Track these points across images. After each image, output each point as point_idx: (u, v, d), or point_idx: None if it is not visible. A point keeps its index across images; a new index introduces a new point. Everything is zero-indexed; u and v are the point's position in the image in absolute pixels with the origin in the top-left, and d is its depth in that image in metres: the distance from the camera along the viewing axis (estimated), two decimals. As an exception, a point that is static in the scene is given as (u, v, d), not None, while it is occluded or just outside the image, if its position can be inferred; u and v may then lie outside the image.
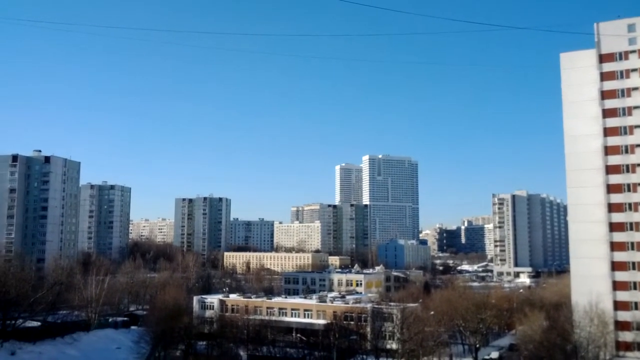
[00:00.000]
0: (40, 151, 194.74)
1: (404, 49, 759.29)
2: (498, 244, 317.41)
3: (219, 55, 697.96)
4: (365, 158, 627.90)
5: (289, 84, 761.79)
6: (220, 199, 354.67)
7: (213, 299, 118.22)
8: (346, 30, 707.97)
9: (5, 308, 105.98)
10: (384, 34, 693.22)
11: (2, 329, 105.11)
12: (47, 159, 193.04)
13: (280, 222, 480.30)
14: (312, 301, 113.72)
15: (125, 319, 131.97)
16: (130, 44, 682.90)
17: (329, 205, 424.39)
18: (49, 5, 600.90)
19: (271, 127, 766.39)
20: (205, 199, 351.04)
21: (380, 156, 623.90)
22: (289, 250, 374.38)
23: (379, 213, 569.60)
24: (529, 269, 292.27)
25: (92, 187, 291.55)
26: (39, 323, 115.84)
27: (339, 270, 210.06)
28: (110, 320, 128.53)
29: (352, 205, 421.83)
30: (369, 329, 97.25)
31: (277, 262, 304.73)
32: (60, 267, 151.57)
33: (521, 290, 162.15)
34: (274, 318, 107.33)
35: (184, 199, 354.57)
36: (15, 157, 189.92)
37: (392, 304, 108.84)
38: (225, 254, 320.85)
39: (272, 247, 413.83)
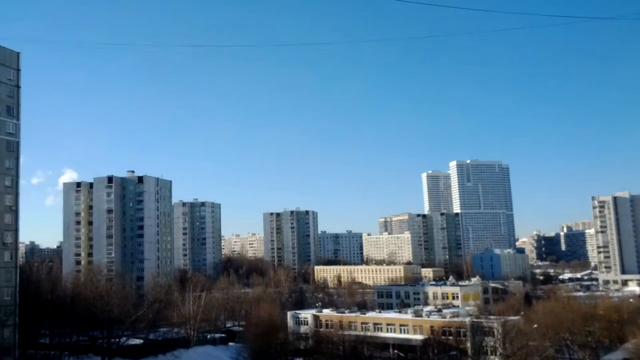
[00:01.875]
0: (133, 172, 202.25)
1: (487, 46, 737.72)
2: (601, 250, 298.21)
3: (295, 66, 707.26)
4: (453, 164, 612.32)
5: (368, 93, 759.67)
6: (307, 212, 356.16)
7: (307, 314, 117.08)
8: (417, 31, 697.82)
9: (109, 326, 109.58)
10: (465, 33, 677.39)
11: (107, 347, 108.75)
12: (141, 179, 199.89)
13: (369, 234, 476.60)
14: (407, 316, 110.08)
15: (223, 335, 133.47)
16: (202, 63, 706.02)
17: (418, 215, 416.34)
18: (136, 28, 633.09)
19: (353, 138, 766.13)
20: (292, 212, 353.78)
21: (468, 161, 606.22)
22: (379, 262, 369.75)
23: (471, 221, 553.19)
24: (638, 276, 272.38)
25: (184, 204, 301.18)
26: (141, 340, 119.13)
27: (433, 282, 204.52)
28: (208, 336, 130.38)
29: (442, 214, 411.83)
30: (469, 344, 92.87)
31: (368, 275, 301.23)
32: (159, 284, 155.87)
33: (631, 300, 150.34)
34: (369, 333, 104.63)
35: (271, 213, 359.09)
36: (110, 179, 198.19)
37: (491, 317, 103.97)
38: (316, 267, 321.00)
39: (361, 260, 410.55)
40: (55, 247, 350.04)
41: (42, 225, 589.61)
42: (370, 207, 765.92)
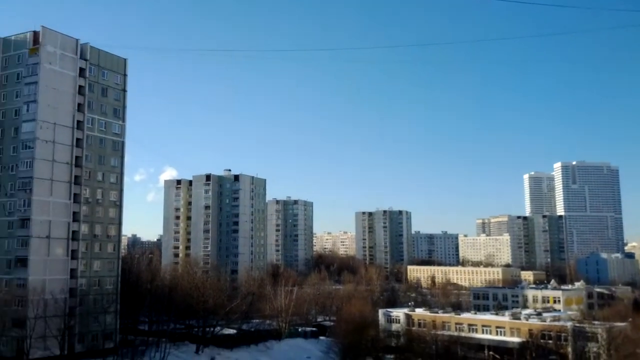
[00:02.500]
0: (230, 170, 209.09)
1: (600, 46, 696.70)
2: None
3: (389, 65, 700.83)
4: (557, 165, 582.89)
5: (470, 90, 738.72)
6: (400, 212, 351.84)
7: (399, 313, 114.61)
8: (519, 31, 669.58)
9: (204, 316, 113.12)
10: (573, 32, 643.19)
11: (202, 335, 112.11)
12: (237, 177, 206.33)
13: (465, 235, 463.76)
14: (504, 318, 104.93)
15: (314, 329, 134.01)
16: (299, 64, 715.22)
17: (519, 217, 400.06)
18: (229, 35, 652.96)
19: (451, 136, 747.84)
20: (385, 212, 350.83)
21: (574, 163, 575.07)
22: (476, 264, 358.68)
23: (575, 224, 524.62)
24: None
25: (277, 202, 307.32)
26: (234, 331, 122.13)
27: (533, 286, 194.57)
28: (299, 330, 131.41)
29: (544, 216, 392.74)
30: (570, 350, 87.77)
31: (463, 277, 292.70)
32: (252, 278, 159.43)
33: None
34: (463, 334, 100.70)
35: (363, 213, 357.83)
36: (208, 177, 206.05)
37: (596, 322, 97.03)
38: (409, 267, 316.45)
39: (457, 261, 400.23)
40: (155, 239, 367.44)
41: (143, 219, 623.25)
42: (467, 208, 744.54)
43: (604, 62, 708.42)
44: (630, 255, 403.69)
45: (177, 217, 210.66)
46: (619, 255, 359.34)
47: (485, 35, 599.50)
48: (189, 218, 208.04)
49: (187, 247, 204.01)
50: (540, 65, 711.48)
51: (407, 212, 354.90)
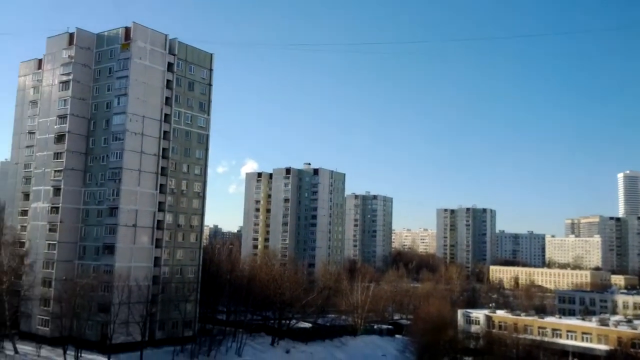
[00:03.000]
0: (309, 164, 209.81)
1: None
2: None
3: (489, 57, 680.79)
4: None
5: (559, 87, 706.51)
6: (484, 210, 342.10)
7: (479, 314, 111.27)
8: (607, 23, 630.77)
9: (281, 308, 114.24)
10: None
11: (278, 327, 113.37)
12: (316, 171, 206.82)
13: (553, 236, 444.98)
14: (591, 324, 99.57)
15: (390, 327, 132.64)
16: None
17: (611, 218, 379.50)
18: (313, 31, 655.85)
19: (538, 133, 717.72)
20: (468, 209, 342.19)
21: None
22: (563, 266, 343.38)
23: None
24: None
25: (356, 197, 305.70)
26: (309, 325, 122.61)
27: (624, 291, 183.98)
28: (375, 327, 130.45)
29: (639, 217, 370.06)
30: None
31: (549, 279, 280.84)
32: (329, 272, 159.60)
33: None
34: (546, 339, 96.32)
35: (445, 210, 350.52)
36: (288, 170, 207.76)
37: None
38: (491, 267, 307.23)
39: (543, 263, 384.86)
40: (235, 231, 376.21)
41: (225, 210, 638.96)
42: (555, 208, 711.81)
43: None
44: None
45: (257, 210, 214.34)
46: None
47: (570, 27, 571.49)
48: (268, 210, 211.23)
49: (266, 239, 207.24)
50: (635, 59, 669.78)
51: (491, 210, 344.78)
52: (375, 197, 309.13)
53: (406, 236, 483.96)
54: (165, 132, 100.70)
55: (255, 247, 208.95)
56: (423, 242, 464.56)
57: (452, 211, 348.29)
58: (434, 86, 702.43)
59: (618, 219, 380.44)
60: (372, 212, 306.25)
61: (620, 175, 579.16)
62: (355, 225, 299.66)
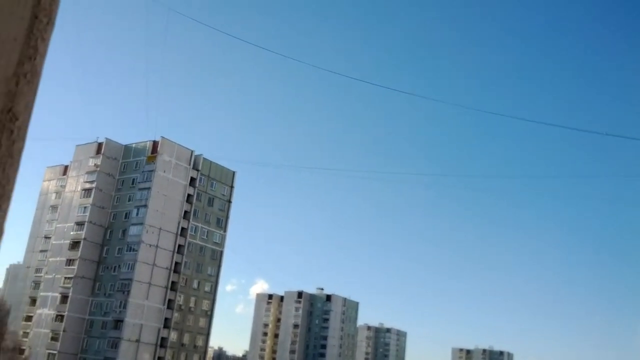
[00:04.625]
0: (322, 289, 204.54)
1: None
2: None
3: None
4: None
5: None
6: (502, 353, 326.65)
7: None
8: None
9: None
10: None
11: None
12: (329, 298, 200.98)
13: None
14: None
15: None
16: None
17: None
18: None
19: (566, 275, 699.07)
20: (484, 350, 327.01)
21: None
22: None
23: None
24: None
25: (369, 328, 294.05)
26: None
27: None
28: None
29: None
30: None
31: None
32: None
33: None
34: None
35: (461, 349, 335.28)
36: (300, 294, 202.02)
37: None
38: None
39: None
40: (240, 354, 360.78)
41: (229, 331, 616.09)
42: (582, 355, 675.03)
43: None
44: None
45: (265, 334, 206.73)
46: None
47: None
48: (276, 335, 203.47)
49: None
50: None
51: (509, 353, 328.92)
52: (389, 330, 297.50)
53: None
54: (180, 245, 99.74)
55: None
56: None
57: (468, 351, 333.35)
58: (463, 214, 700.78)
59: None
60: (385, 346, 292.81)
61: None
62: (366, 359, 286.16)
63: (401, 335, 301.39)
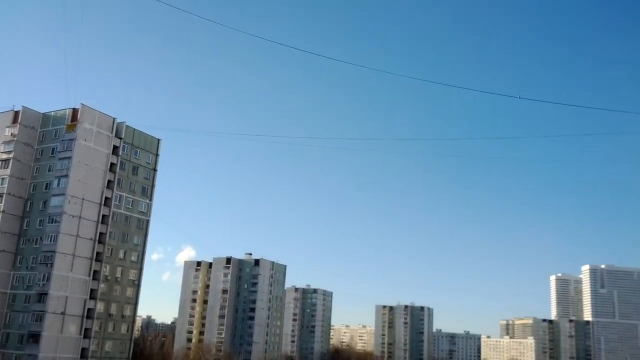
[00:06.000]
0: (251, 254, 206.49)
1: (619, 146, 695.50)
2: None
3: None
4: (585, 268, 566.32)
5: (498, 187, 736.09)
6: (422, 308, 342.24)
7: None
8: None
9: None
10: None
11: None
12: (257, 262, 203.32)
13: (488, 336, 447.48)
14: None
15: None
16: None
17: (544, 320, 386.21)
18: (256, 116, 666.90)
19: (479, 232, 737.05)
20: (406, 307, 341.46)
21: (603, 266, 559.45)
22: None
23: (603, 331, 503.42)
24: None
25: (296, 290, 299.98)
26: None
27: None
28: None
29: (571, 320, 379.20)
30: None
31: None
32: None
33: None
34: None
35: (384, 306, 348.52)
36: (229, 260, 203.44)
37: None
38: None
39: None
40: (169, 322, 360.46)
41: (158, 299, 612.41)
42: (492, 308, 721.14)
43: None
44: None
45: (194, 300, 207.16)
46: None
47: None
48: (205, 302, 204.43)
49: (201, 332, 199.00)
50: (574, 164, 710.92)
51: (429, 308, 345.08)
52: (315, 290, 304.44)
53: (345, 332, 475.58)
54: (104, 216, 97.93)
55: (190, 340, 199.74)
56: (361, 340, 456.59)
57: (391, 308, 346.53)
58: (384, 179, 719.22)
59: (551, 322, 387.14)
60: (312, 307, 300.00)
61: (553, 278, 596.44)
62: (294, 320, 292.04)
63: (327, 296, 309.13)
